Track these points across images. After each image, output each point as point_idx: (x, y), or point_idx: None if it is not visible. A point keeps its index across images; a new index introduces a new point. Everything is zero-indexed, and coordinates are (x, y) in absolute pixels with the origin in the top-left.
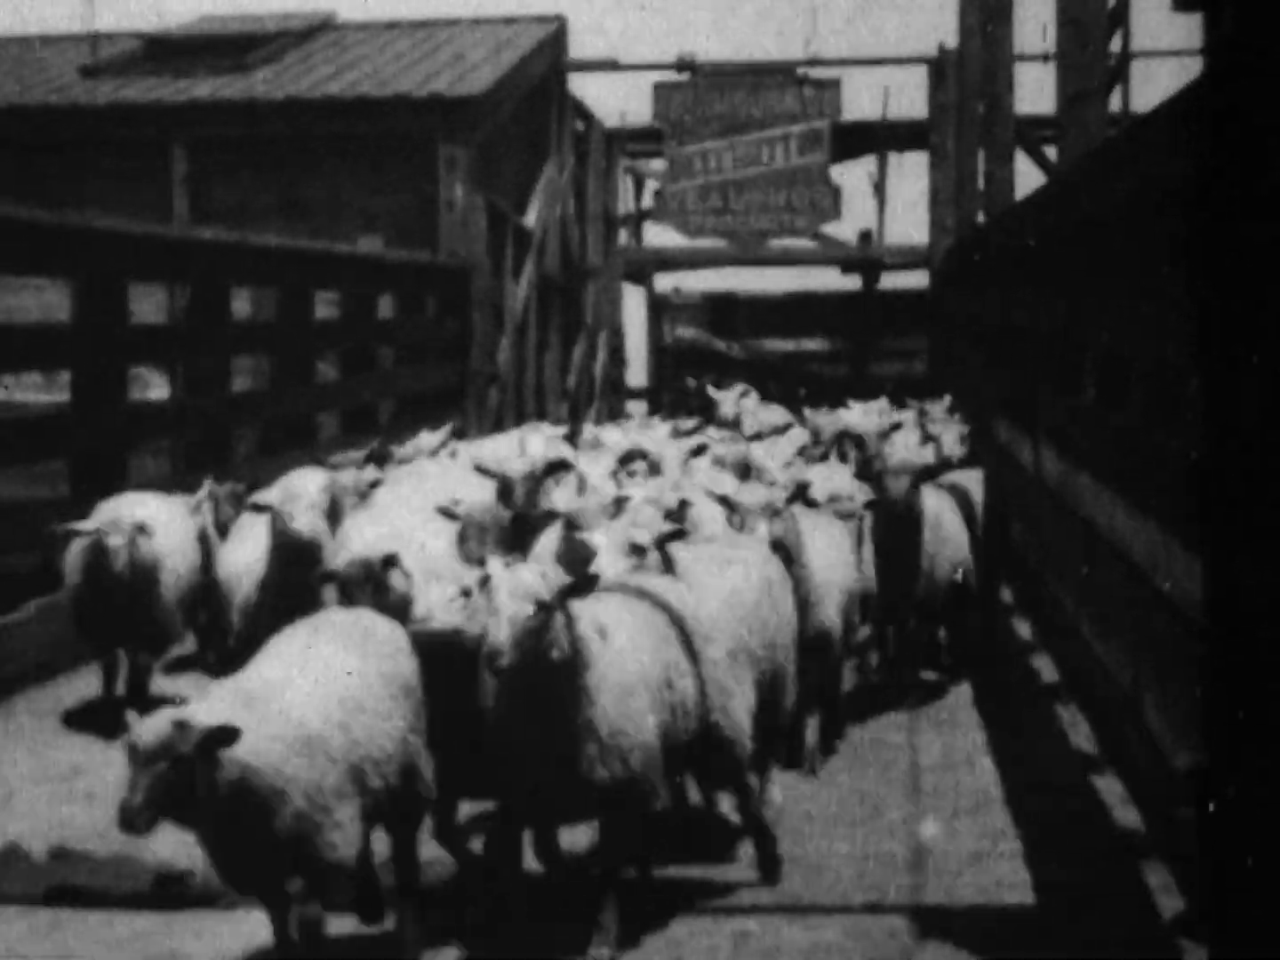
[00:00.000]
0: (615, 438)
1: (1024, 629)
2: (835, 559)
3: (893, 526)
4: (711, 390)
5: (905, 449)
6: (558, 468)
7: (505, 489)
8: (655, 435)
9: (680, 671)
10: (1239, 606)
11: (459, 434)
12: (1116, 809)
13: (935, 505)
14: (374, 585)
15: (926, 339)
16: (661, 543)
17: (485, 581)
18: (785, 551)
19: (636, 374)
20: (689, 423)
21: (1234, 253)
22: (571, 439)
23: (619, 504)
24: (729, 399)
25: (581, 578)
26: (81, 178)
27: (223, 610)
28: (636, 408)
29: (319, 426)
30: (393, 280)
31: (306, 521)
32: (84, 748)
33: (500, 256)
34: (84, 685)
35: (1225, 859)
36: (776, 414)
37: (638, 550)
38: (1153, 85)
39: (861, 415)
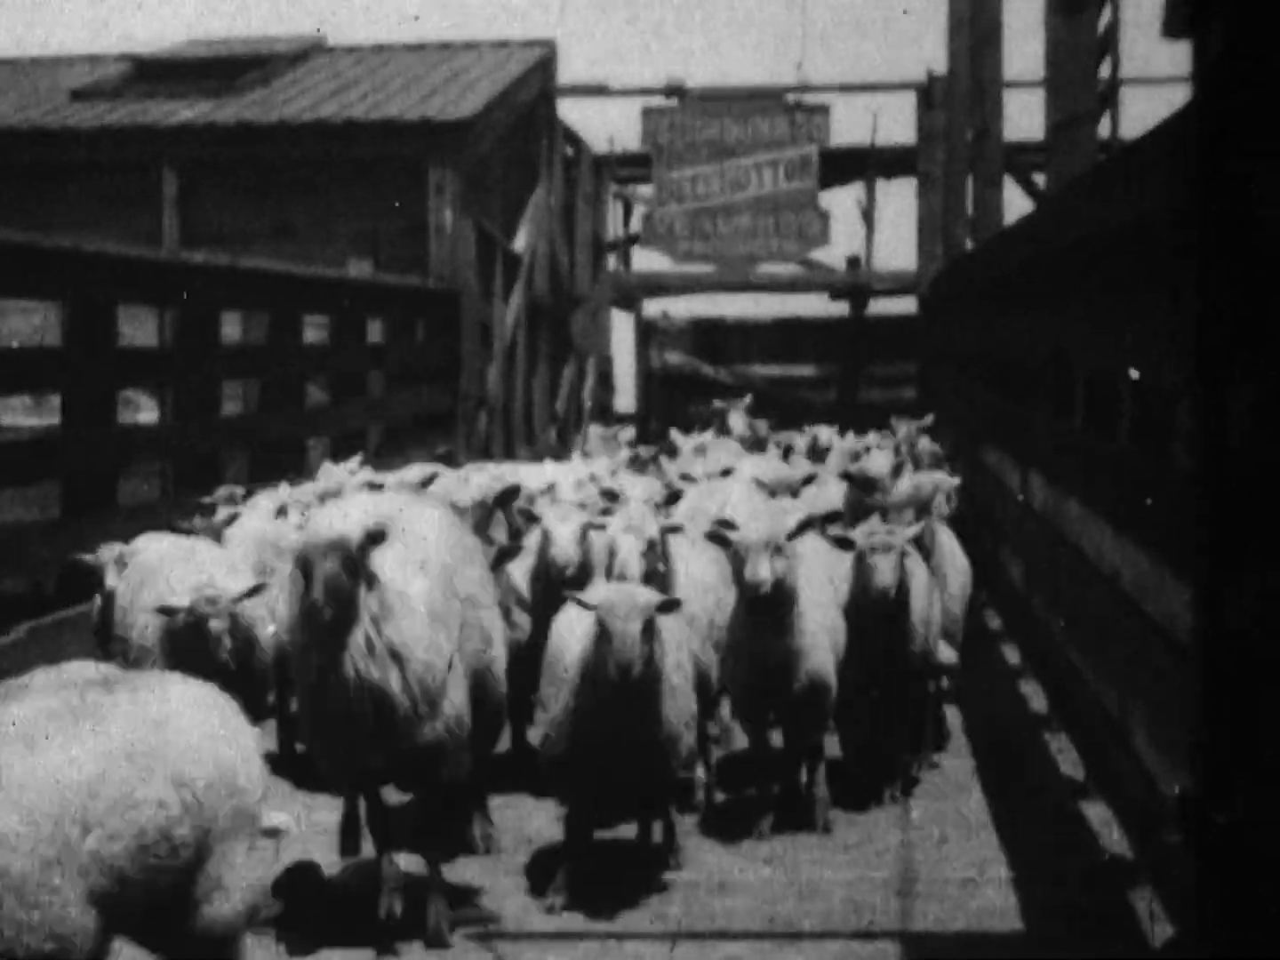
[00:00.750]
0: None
1: (1013, 655)
2: (827, 601)
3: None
4: (675, 434)
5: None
6: (510, 496)
7: None
8: (596, 468)
9: None
10: (1228, 633)
11: (449, 459)
12: (1105, 835)
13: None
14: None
15: (914, 365)
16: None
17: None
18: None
19: (625, 399)
20: (647, 451)
21: (1223, 279)
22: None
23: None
24: (737, 419)
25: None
26: (71, 200)
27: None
28: (624, 433)
29: (308, 450)
30: (382, 304)
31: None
32: None
33: (489, 281)
34: None
35: (1214, 885)
36: (730, 451)
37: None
38: (1141, 112)
39: (881, 458)
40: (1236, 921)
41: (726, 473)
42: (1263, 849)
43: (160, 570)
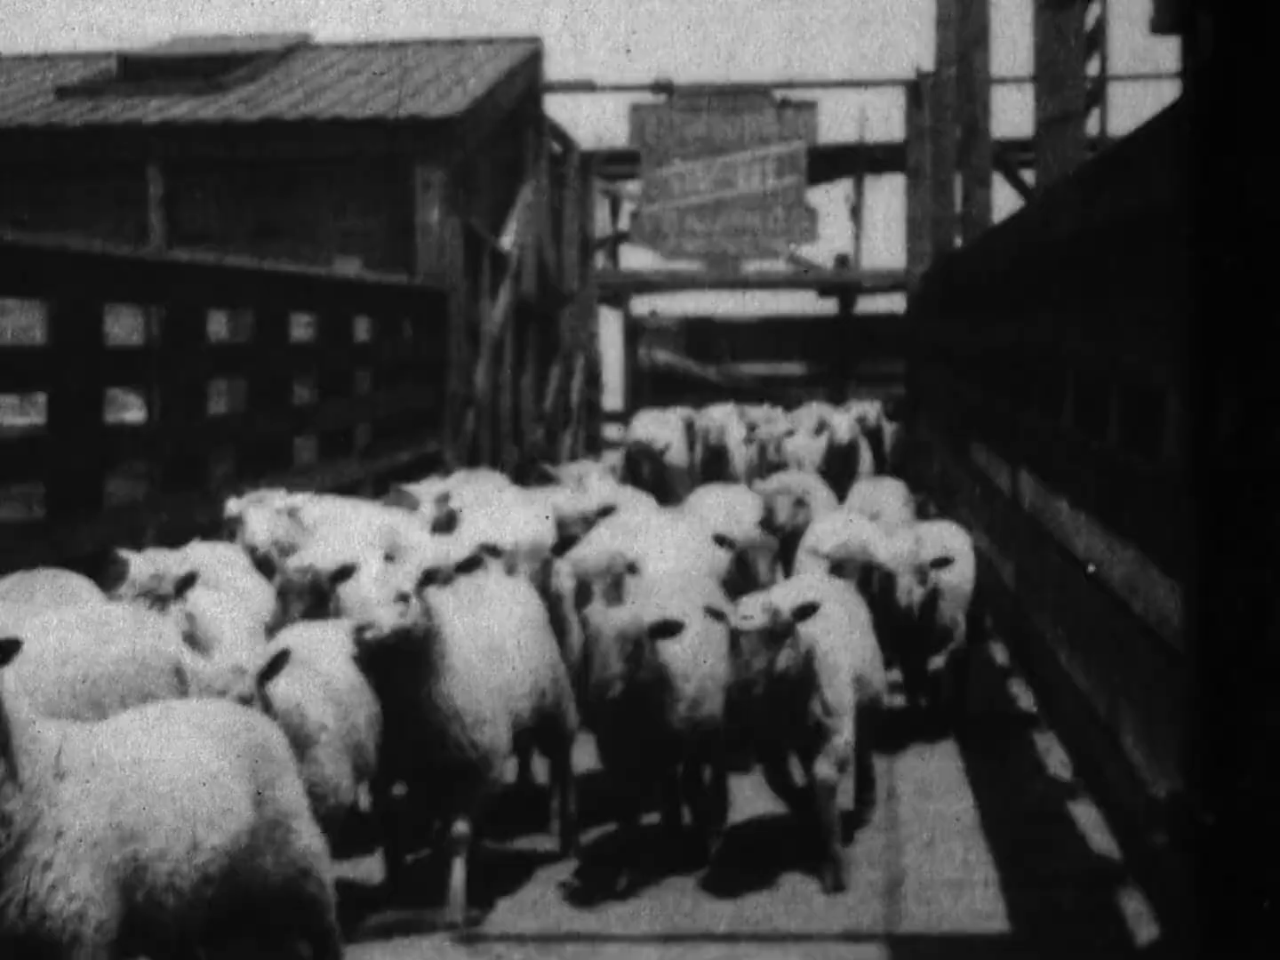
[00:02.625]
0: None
1: (1001, 655)
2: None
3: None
4: (547, 467)
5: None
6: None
7: None
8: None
9: None
10: (1217, 632)
11: (437, 459)
12: (1093, 836)
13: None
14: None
15: (903, 362)
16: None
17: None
18: None
19: (613, 397)
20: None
21: (1213, 275)
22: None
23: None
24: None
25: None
26: (56, 198)
27: None
28: (613, 431)
29: (296, 449)
30: (369, 302)
31: None
32: None
33: (477, 279)
34: None
35: (1202, 887)
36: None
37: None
38: (1130, 108)
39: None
40: (1224, 923)
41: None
42: (1251, 850)
43: None
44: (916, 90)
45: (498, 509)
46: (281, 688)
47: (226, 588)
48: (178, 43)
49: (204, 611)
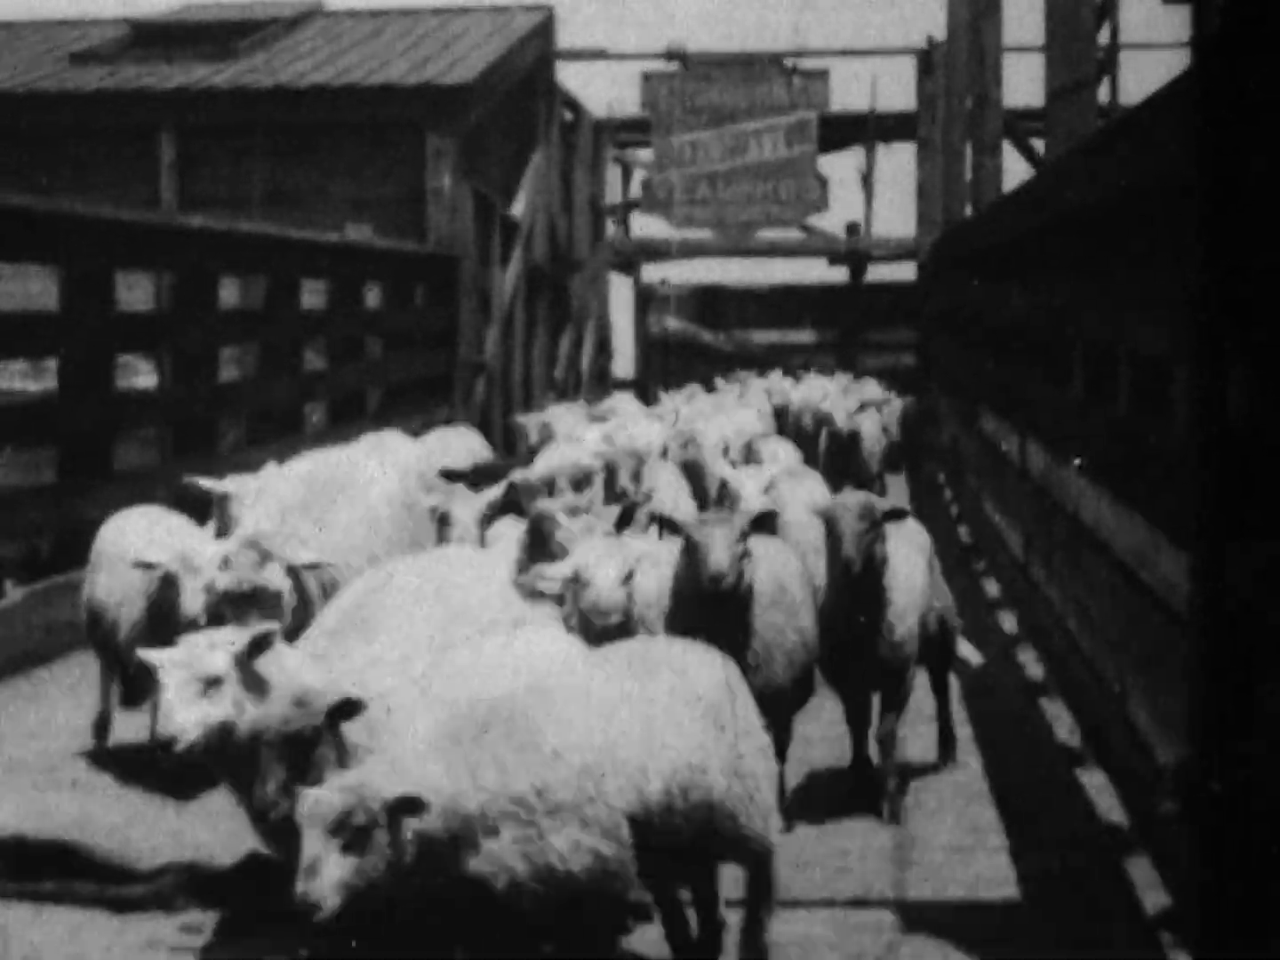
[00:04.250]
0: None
1: (1009, 623)
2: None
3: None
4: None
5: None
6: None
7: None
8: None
9: None
10: (1225, 601)
11: (448, 425)
12: (1101, 803)
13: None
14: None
15: (913, 331)
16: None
17: None
18: None
19: (624, 365)
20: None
21: (1223, 245)
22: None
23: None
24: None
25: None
26: (69, 164)
27: None
28: (624, 398)
29: (306, 415)
30: (380, 269)
31: None
32: (71, 735)
33: (488, 246)
34: (71, 674)
35: (1210, 854)
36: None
37: None
38: (1141, 78)
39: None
40: (1232, 890)
41: None
42: (1258, 817)
43: None
44: (928, 59)
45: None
46: None
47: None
48: (190, 9)
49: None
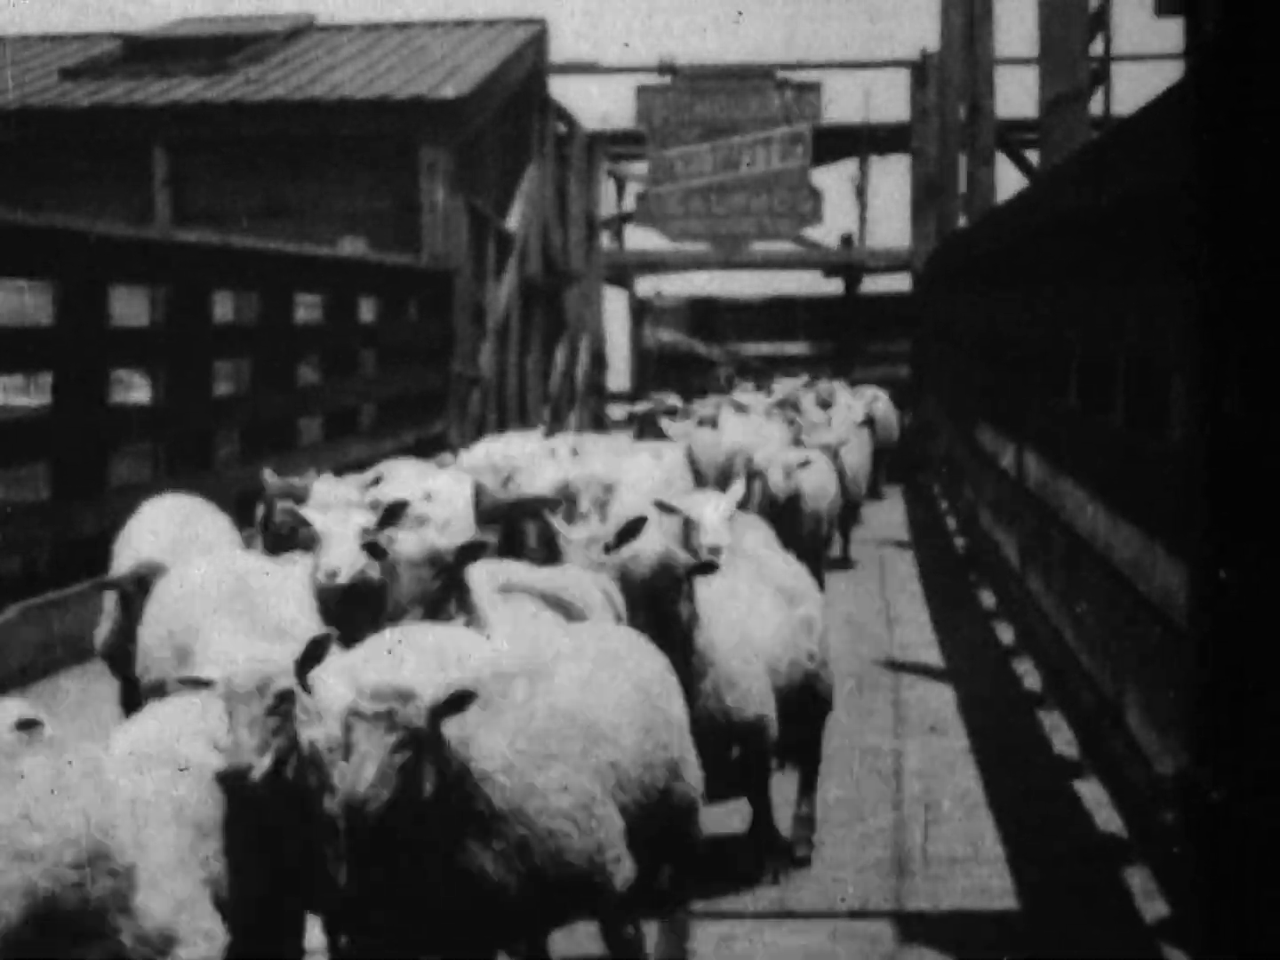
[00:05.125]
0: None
1: (1006, 634)
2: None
3: None
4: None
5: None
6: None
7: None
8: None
9: None
10: (1223, 610)
11: (441, 440)
12: (1099, 814)
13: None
14: None
15: (908, 342)
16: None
17: None
18: None
19: (618, 377)
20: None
21: (1217, 255)
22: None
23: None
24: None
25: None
26: (62, 180)
27: None
28: (618, 411)
29: (301, 430)
30: (375, 283)
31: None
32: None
33: (482, 259)
34: (68, 690)
35: (1208, 864)
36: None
37: None
38: (1135, 88)
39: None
40: (1232, 900)
41: None
42: (1257, 827)
43: None
44: (921, 71)
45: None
46: None
47: None
48: (182, 24)
49: None
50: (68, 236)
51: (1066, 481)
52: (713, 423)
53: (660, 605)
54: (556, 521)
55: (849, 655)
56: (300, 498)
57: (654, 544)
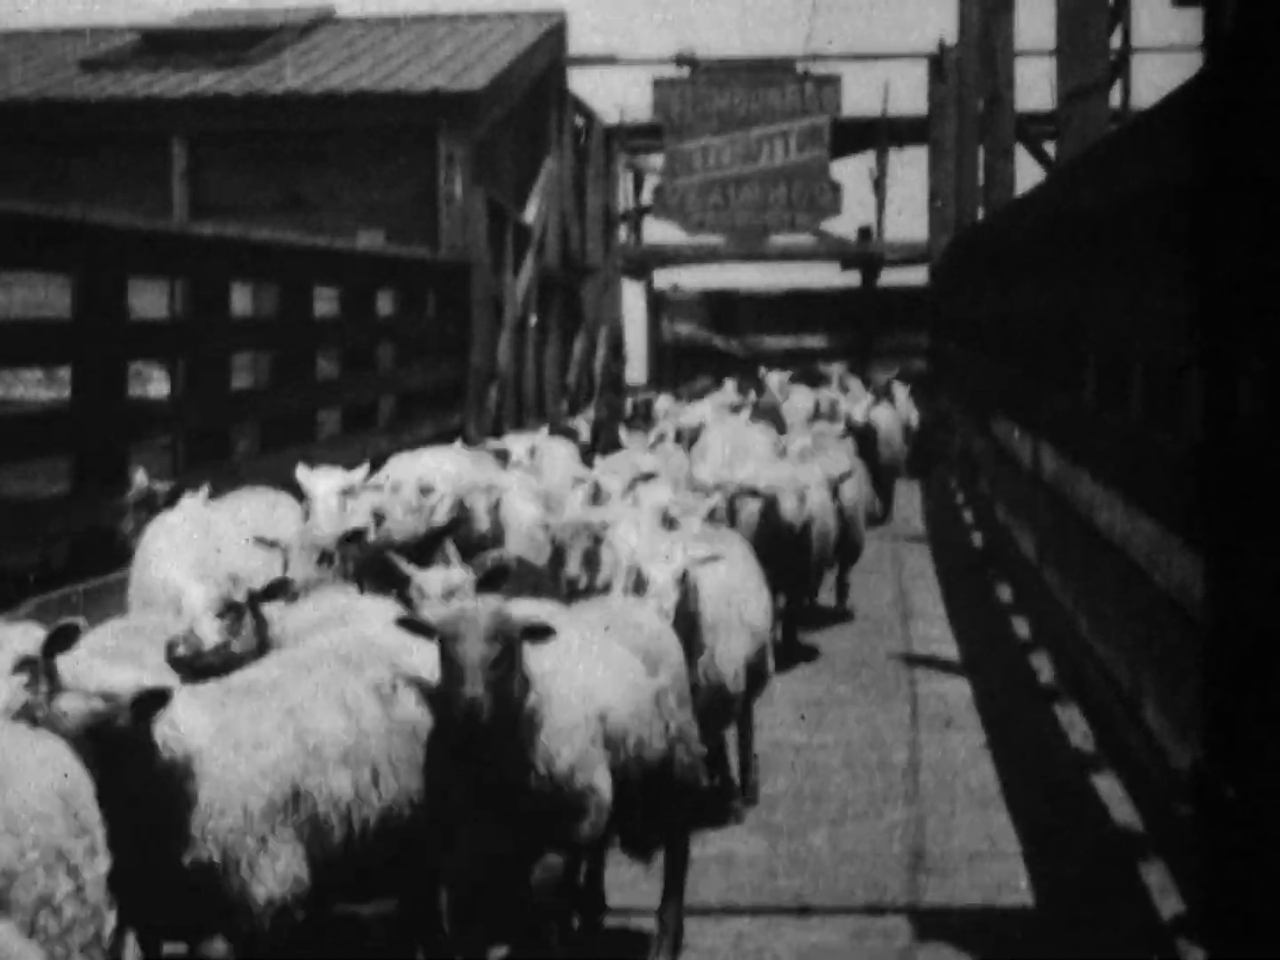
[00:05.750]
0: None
1: (1022, 628)
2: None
3: None
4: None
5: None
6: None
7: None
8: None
9: None
10: (1239, 604)
11: (460, 433)
12: (1115, 808)
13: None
14: None
15: (926, 335)
16: None
17: None
18: None
19: (636, 370)
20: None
21: (1235, 247)
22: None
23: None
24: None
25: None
26: (80, 172)
27: None
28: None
29: (319, 424)
30: (393, 276)
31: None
32: None
33: (500, 252)
34: None
35: (1225, 858)
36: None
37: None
38: (1153, 81)
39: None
40: (1246, 894)
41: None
42: (1272, 821)
43: None
44: (939, 63)
45: None
46: None
47: None
48: (200, 16)
49: None
50: (86, 229)
51: (1083, 475)
52: (691, 437)
53: (494, 668)
54: (405, 565)
55: (865, 649)
56: (155, 506)
57: (488, 605)
